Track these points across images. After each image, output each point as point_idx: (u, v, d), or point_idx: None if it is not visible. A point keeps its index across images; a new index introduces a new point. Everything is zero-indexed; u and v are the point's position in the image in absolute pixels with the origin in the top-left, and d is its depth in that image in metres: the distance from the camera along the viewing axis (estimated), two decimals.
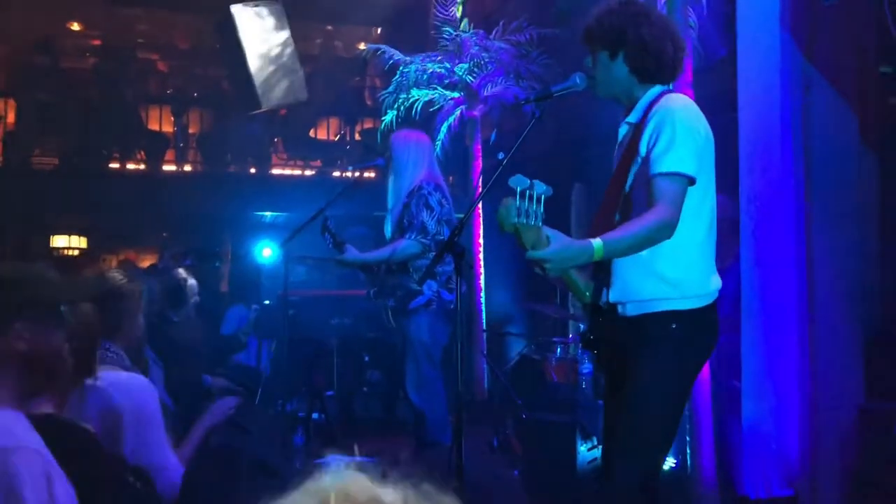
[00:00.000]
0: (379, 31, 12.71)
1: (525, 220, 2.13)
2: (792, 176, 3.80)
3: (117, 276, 2.87)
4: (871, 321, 3.96)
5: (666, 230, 2.36)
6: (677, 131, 2.40)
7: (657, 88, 2.59)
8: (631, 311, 2.51)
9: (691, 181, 2.41)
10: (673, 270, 2.47)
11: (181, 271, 4.86)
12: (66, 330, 1.83)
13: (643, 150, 2.46)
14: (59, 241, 11.80)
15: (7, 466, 1.58)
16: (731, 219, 4.03)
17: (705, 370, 4.01)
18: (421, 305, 4.14)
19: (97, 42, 12.13)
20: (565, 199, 6.86)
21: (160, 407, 2.61)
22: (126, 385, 2.51)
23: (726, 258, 4.20)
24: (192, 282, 4.73)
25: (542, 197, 2.14)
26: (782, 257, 3.80)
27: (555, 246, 2.19)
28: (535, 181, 2.14)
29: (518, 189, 2.12)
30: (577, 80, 2.63)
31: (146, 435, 2.48)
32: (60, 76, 10.11)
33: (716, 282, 2.56)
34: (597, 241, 2.28)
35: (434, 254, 4.08)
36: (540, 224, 2.15)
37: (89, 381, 2.24)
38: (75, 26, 12.45)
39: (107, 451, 2.06)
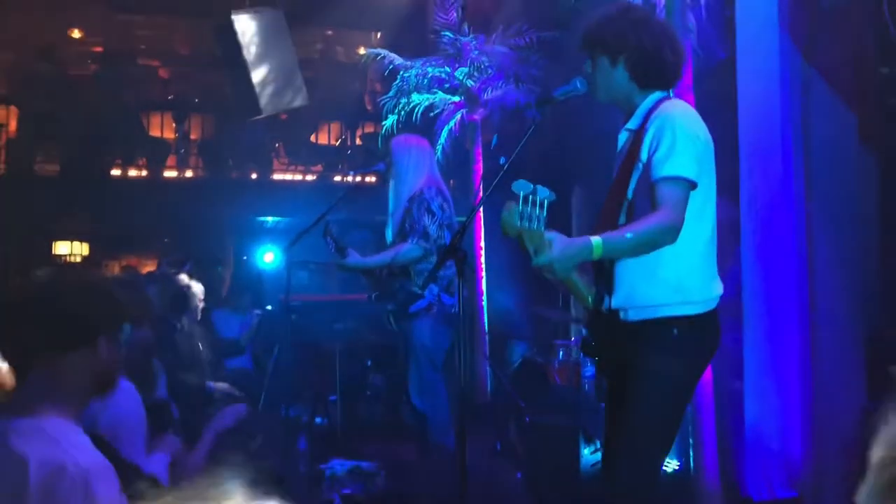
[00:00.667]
0: (379, 35, 12.72)
1: (528, 225, 2.14)
2: (792, 177, 3.81)
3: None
4: (873, 321, 3.96)
5: (670, 234, 2.37)
6: (678, 136, 2.41)
7: (657, 94, 2.60)
8: (633, 316, 2.52)
9: (693, 185, 2.42)
10: (675, 275, 2.48)
11: (183, 277, 4.87)
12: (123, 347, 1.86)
13: (644, 156, 2.47)
14: (61, 247, 11.81)
15: (88, 487, 1.59)
16: (732, 221, 4.04)
17: (708, 372, 4.02)
18: (422, 309, 4.15)
19: (98, 49, 12.16)
20: (565, 202, 6.87)
21: (143, 414, 2.61)
22: None
23: (727, 261, 4.21)
24: (196, 287, 4.74)
25: (545, 202, 2.16)
26: (783, 258, 3.80)
27: (557, 247, 2.20)
28: (538, 186, 2.15)
29: (521, 194, 2.13)
30: (578, 85, 2.64)
31: (121, 437, 2.47)
32: (62, 83, 10.12)
33: (718, 287, 2.56)
34: (596, 239, 2.29)
35: (435, 258, 4.09)
36: (543, 229, 2.16)
37: None
38: (76, 33, 12.48)
39: (125, 460, 2.07)
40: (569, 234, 2.27)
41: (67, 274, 1.95)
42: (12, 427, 1.67)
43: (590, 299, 2.57)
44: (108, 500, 1.62)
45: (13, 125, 10.19)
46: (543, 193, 2.15)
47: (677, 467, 4.23)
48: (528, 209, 2.13)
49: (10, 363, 1.78)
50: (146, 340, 2.12)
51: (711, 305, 2.54)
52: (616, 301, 2.52)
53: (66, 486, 1.59)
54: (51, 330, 1.73)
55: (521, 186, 2.14)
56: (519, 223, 2.14)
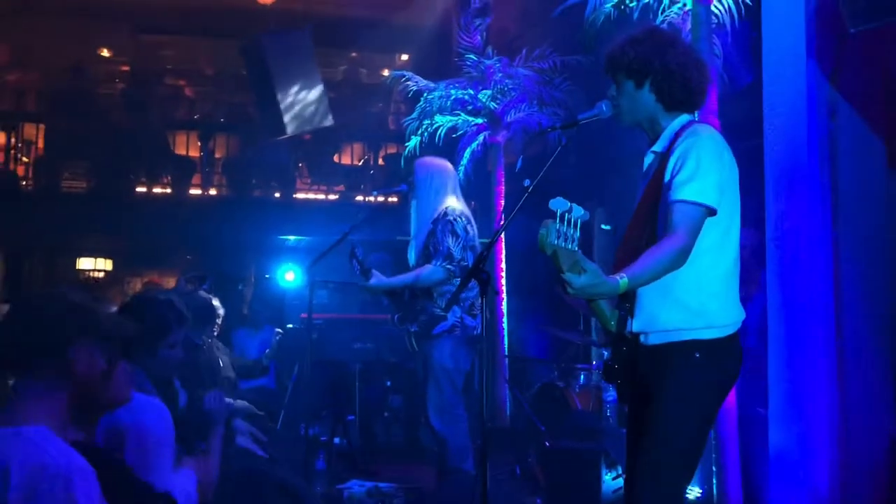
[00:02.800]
0: (404, 57, 12.82)
1: (563, 244, 2.13)
2: (819, 203, 3.77)
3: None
4: None
5: (679, 259, 2.36)
6: (702, 161, 2.40)
7: (683, 118, 2.59)
8: (654, 340, 2.50)
9: (711, 212, 2.41)
10: (697, 300, 2.46)
11: (202, 294, 4.89)
12: (112, 360, 1.91)
13: (668, 177, 2.46)
14: (84, 263, 11.94)
15: (69, 487, 1.63)
16: (755, 247, 4.00)
17: (731, 398, 3.97)
18: (444, 331, 4.14)
19: (125, 68, 12.34)
20: (588, 225, 6.85)
21: (171, 431, 2.61)
22: (134, 405, 2.52)
23: (752, 287, 4.17)
24: (216, 305, 4.75)
25: (579, 221, 2.15)
26: (809, 284, 3.76)
27: (587, 279, 2.18)
28: (574, 205, 2.14)
29: (558, 212, 2.12)
30: (604, 108, 2.64)
31: (148, 458, 2.48)
32: (89, 102, 10.28)
33: (740, 312, 2.54)
34: (623, 279, 2.28)
35: (458, 280, 4.08)
36: (576, 248, 2.15)
37: None
38: (104, 52, 12.68)
39: (138, 479, 2.08)
40: (590, 254, 2.26)
41: (44, 290, 2.05)
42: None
43: (612, 322, 2.55)
44: (88, 500, 1.66)
45: (41, 143, 10.34)
46: (578, 213, 2.14)
47: (700, 495, 4.17)
48: (564, 227, 2.12)
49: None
50: (179, 360, 2.15)
51: (733, 329, 2.52)
52: (637, 325, 2.51)
53: (46, 486, 1.64)
54: (25, 340, 1.82)
55: (558, 204, 2.13)
56: (556, 241, 2.12)
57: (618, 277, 2.28)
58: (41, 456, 1.68)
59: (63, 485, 1.64)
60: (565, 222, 2.12)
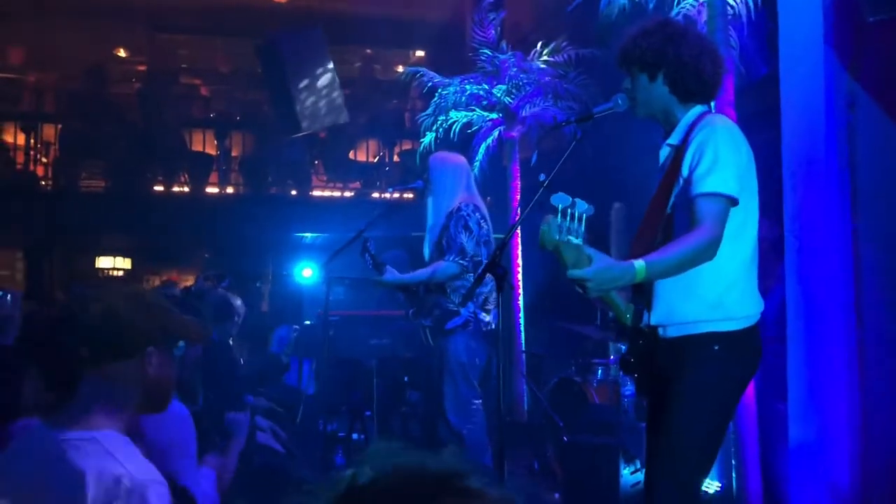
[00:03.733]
0: (419, 54, 12.82)
1: (566, 238, 2.11)
2: (837, 194, 3.73)
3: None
4: None
5: (709, 251, 2.34)
6: (720, 152, 2.39)
7: (698, 109, 2.57)
8: (672, 333, 2.48)
9: (733, 202, 2.39)
10: (715, 292, 2.44)
11: (220, 291, 4.91)
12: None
13: (685, 171, 2.44)
14: (103, 261, 12.03)
15: (144, 500, 1.60)
16: (773, 239, 3.96)
17: (751, 393, 3.94)
18: (458, 326, 4.13)
19: (142, 68, 12.42)
20: (604, 218, 6.82)
21: (193, 432, 2.61)
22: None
23: (770, 280, 4.14)
24: (237, 302, 4.76)
25: (584, 216, 2.14)
26: (828, 276, 3.72)
27: (597, 265, 2.16)
28: (577, 199, 2.13)
29: (560, 207, 2.11)
30: (619, 102, 2.62)
31: (172, 462, 2.47)
32: (106, 101, 10.35)
33: (759, 303, 2.52)
34: (639, 263, 2.25)
35: (472, 275, 4.07)
36: (581, 242, 2.14)
37: None
38: (121, 53, 12.76)
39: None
40: (607, 250, 2.24)
41: (118, 287, 1.97)
42: (65, 440, 1.67)
43: (628, 316, 2.54)
44: None
45: (59, 142, 10.42)
46: (582, 207, 2.13)
47: (719, 489, 4.15)
48: (567, 222, 2.11)
49: (58, 376, 1.79)
50: (196, 358, 2.13)
51: (752, 321, 2.50)
52: (655, 318, 2.49)
53: (123, 499, 1.59)
54: (101, 339, 1.74)
55: (559, 199, 2.12)
56: (557, 236, 2.11)
57: (633, 262, 2.26)
58: (116, 466, 1.62)
59: (139, 499, 1.59)
60: (568, 217, 2.11)
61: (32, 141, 10.44)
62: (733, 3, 4.31)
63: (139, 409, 1.82)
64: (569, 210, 2.11)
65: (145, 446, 2.41)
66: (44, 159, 10.61)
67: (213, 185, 10.69)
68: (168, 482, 2.11)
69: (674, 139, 2.56)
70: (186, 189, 10.51)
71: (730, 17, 4.26)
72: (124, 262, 12.21)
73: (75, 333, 1.74)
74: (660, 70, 2.54)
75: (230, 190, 10.90)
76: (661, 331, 2.50)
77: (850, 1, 3.71)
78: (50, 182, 10.45)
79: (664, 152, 2.62)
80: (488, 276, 2.84)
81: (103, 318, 1.75)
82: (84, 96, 10.20)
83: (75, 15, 10.71)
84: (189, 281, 10.54)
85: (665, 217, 2.48)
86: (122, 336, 1.75)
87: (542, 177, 2.62)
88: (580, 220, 2.13)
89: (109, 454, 1.65)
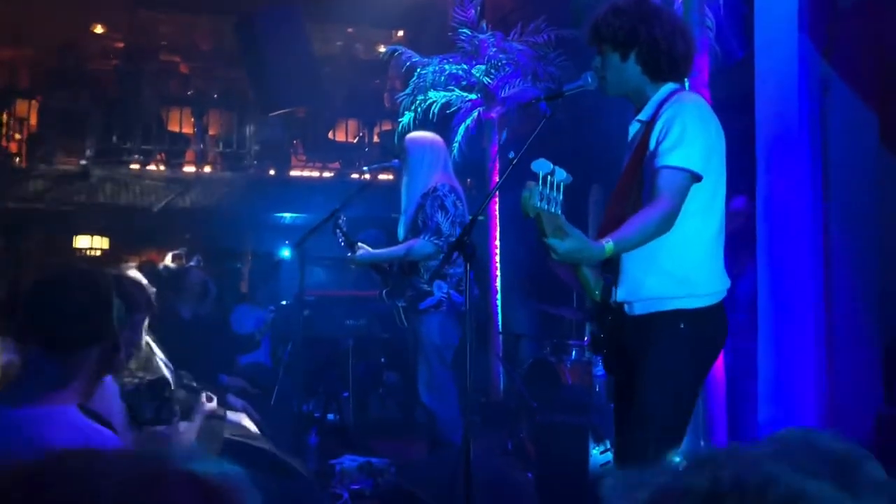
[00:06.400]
0: (400, 33, 12.73)
1: (547, 207, 2.11)
2: (809, 177, 3.75)
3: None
4: (891, 325, 3.90)
5: (666, 223, 2.35)
6: (687, 127, 2.39)
7: (669, 86, 2.57)
8: (638, 310, 2.49)
9: (696, 178, 2.39)
10: (681, 268, 2.46)
11: (195, 269, 4.88)
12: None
13: (652, 144, 2.44)
14: (81, 241, 11.91)
15: None
16: (746, 221, 3.99)
17: (720, 373, 3.97)
18: (431, 306, 4.13)
19: (120, 44, 12.24)
20: (583, 201, 6.83)
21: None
22: None
23: (742, 261, 4.16)
24: (201, 278, 4.74)
25: (562, 185, 2.13)
26: (799, 259, 3.75)
27: (571, 243, 2.17)
28: (557, 167, 2.12)
29: (541, 174, 2.10)
30: (589, 79, 2.62)
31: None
32: (83, 78, 10.22)
33: (724, 280, 2.54)
34: (608, 243, 2.27)
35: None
36: (559, 212, 2.13)
37: None
38: (98, 29, 12.58)
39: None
40: (585, 232, 2.25)
41: (96, 269, 1.96)
42: (24, 416, 1.66)
43: (597, 292, 2.54)
44: None
45: (34, 119, 10.29)
46: (560, 175, 2.12)
47: None
48: (546, 190, 2.10)
49: (24, 352, 1.77)
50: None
51: (718, 298, 2.51)
52: (622, 294, 2.50)
53: None
54: (80, 322, 1.74)
55: (540, 166, 2.10)
56: (538, 203, 2.10)
57: (603, 242, 2.27)
58: (87, 440, 1.61)
59: None
60: (548, 185, 2.10)
61: (6, 117, 10.30)
62: None
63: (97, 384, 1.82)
64: (549, 177, 2.10)
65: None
66: (17, 136, 10.47)
67: (190, 163, 10.59)
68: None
69: (644, 115, 2.56)
70: (163, 168, 10.41)
71: None
72: (102, 242, 12.09)
73: (53, 314, 1.74)
74: (632, 50, 2.53)
75: (208, 169, 10.80)
76: (627, 308, 2.51)
77: None
78: (24, 159, 10.31)
79: (633, 128, 2.61)
80: (459, 253, 2.84)
81: (81, 294, 1.75)
82: (60, 72, 10.06)
83: None
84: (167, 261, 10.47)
85: (636, 191, 2.48)
86: (101, 314, 1.75)
87: (510, 154, 2.61)
88: (559, 188, 2.12)
89: (76, 428, 1.65)
